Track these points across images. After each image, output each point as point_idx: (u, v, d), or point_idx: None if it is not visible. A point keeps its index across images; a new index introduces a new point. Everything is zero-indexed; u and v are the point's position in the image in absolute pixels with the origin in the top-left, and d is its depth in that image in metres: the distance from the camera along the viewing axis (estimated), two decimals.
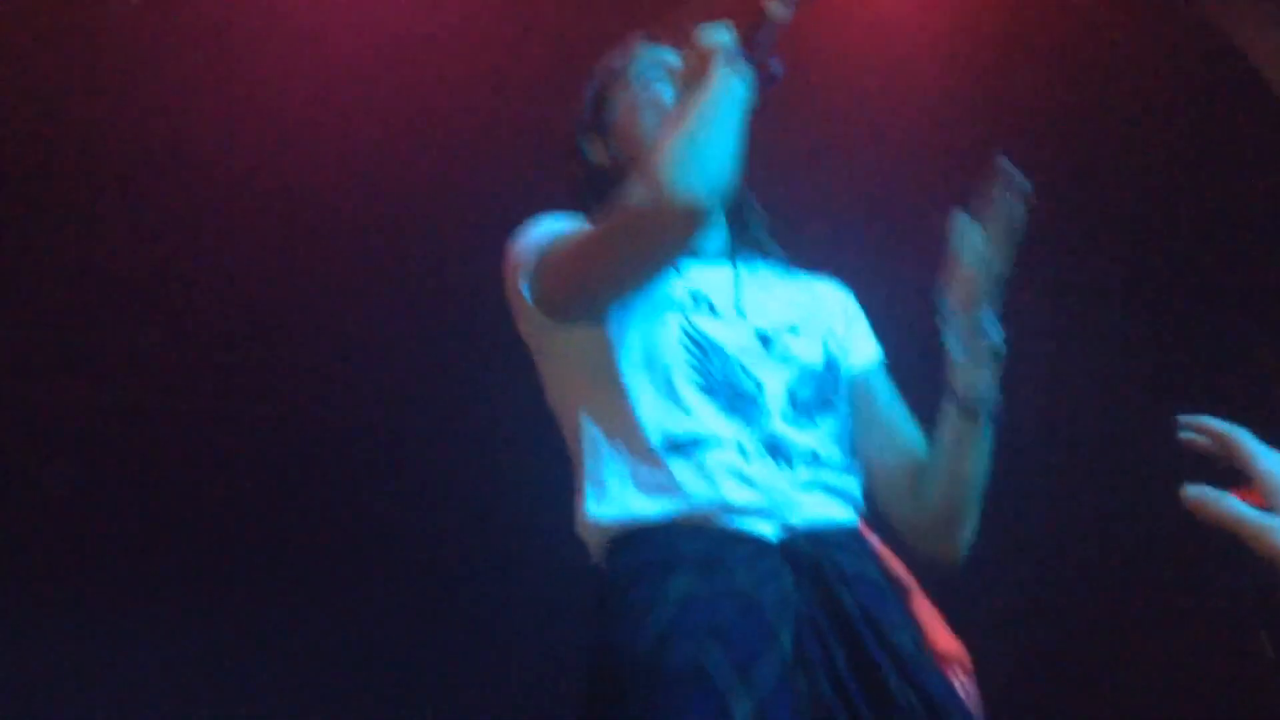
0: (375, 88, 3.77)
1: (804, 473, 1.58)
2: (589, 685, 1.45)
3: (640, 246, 1.58)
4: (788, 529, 1.52)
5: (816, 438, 1.63)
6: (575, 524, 1.62)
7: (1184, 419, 1.06)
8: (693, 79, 1.65)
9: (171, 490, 4.48)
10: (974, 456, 1.65)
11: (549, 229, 1.71)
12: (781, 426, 1.60)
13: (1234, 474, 1.05)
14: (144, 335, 4.27)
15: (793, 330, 1.71)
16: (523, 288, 1.66)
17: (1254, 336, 4.54)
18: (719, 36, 1.65)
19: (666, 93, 1.78)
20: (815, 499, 1.57)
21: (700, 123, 1.55)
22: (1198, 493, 0.96)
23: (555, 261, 1.65)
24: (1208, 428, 1.05)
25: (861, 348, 1.82)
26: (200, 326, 4.33)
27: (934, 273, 1.65)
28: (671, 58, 1.82)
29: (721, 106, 1.56)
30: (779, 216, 1.91)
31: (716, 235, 1.78)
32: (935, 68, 3.91)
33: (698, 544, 1.48)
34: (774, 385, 1.63)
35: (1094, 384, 4.86)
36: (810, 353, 1.70)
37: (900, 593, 1.68)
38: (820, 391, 1.67)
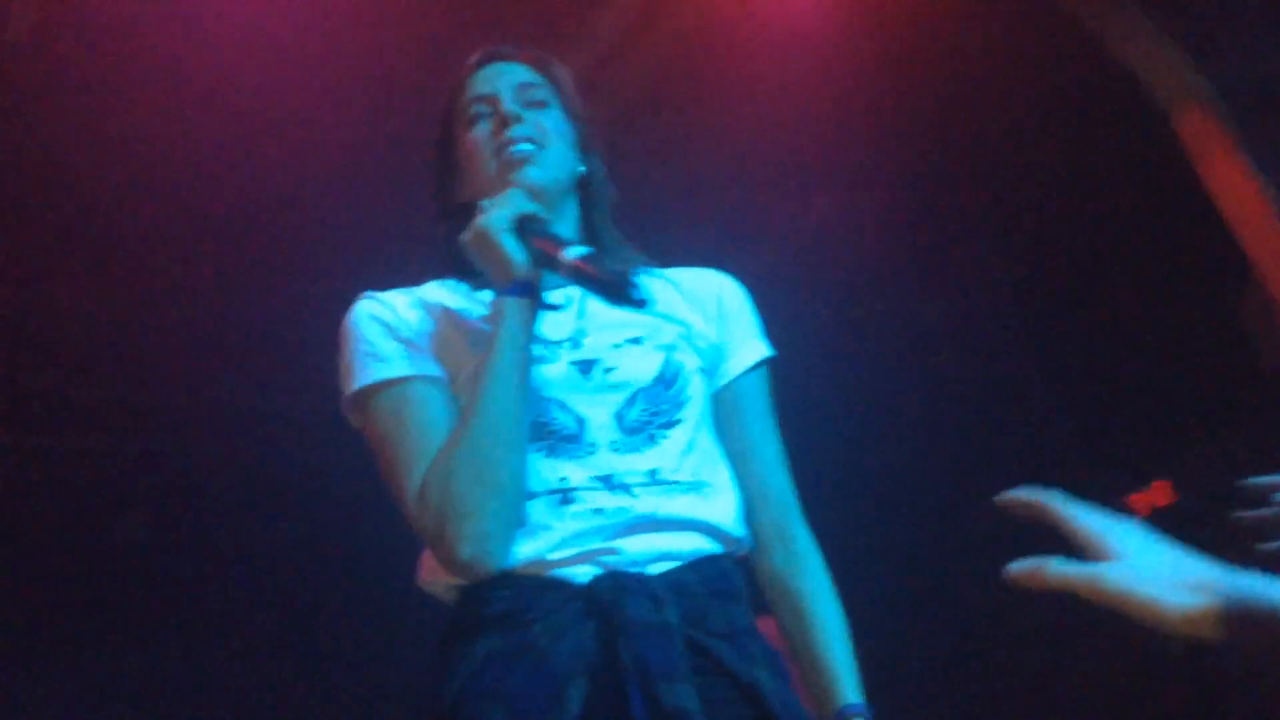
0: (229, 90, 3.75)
1: (647, 499, 1.52)
2: None
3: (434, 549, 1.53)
4: (602, 566, 1.48)
5: (658, 457, 1.55)
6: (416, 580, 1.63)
7: (997, 499, 1.08)
8: (477, 258, 1.59)
9: None
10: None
11: (372, 378, 1.59)
12: (611, 459, 1.53)
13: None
14: None
15: (632, 343, 1.61)
16: (344, 406, 1.64)
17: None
18: (510, 248, 1.55)
19: (482, 131, 1.73)
20: (645, 538, 1.51)
21: (492, 444, 1.48)
22: (1019, 568, 0.98)
23: (374, 448, 1.59)
24: (1018, 502, 1.07)
25: (737, 351, 1.73)
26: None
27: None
28: (494, 84, 1.75)
29: (508, 397, 1.50)
30: (644, 209, 1.85)
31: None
32: (826, 70, 4.04)
33: (503, 599, 1.46)
34: (599, 415, 1.55)
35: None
36: (642, 368, 1.59)
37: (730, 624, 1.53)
38: (653, 408, 1.58)
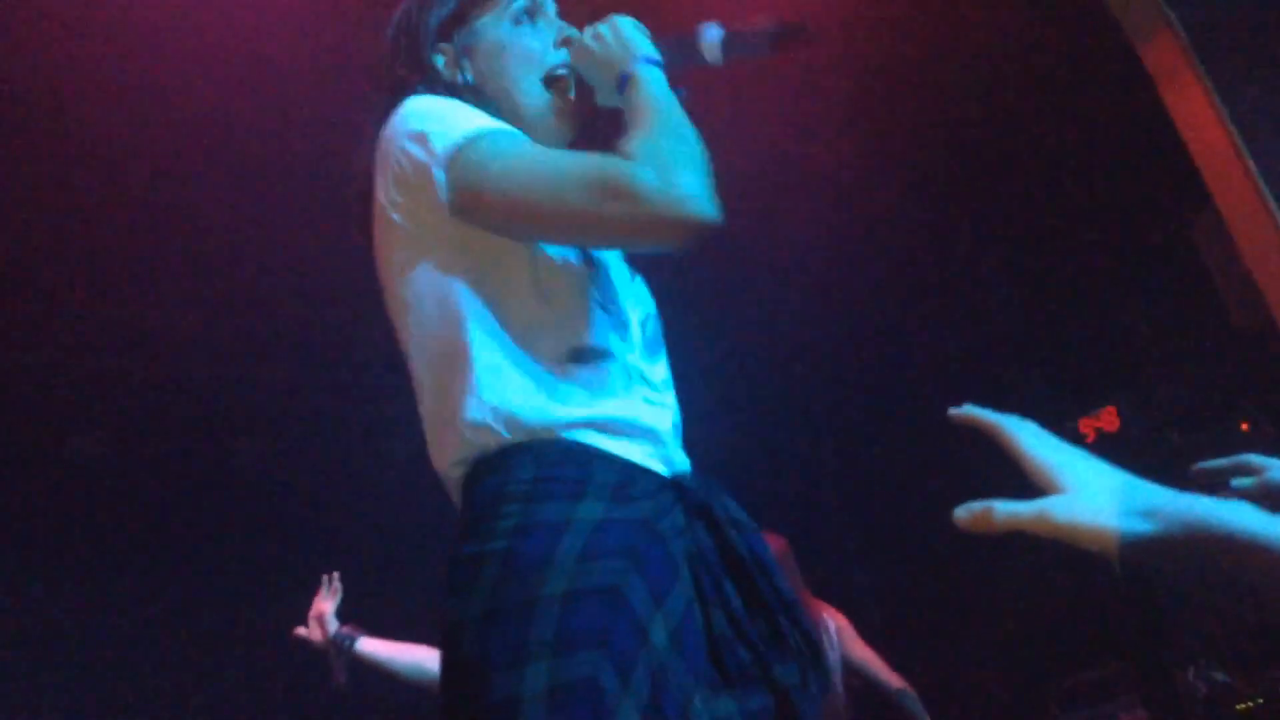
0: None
1: (668, 399, 1.59)
2: (486, 595, 1.32)
3: (635, 237, 1.48)
4: (669, 463, 1.52)
5: (662, 370, 1.64)
6: (450, 424, 1.48)
7: (950, 413, 1.07)
8: (597, 58, 1.60)
9: None
10: None
11: (483, 126, 1.52)
12: (640, 359, 1.59)
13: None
14: None
15: (637, 274, 1.72)
16: (437, 176, 1.48)
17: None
18: (639, 36, 1.60)
19: (539, 40, 1.68)
20: (676, 450, 1.57)
21: (685, 129, 1.48)
22: (965, 512, 0.97)
23: (515, 187, 1.46)
24: (970, 419, 1.06)
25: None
26: None
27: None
28: (550, 4, 1.73)
29: (684, 114, 1.52)
30: None
31: None
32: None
33: (605, 470, 1.43)
34: (635, 318, 1.63)
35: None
36: (645, 300, 1.70)
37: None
38: (657, 331, 1.68)
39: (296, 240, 4.12)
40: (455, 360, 1.49)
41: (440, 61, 1.69)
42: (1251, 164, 3.36)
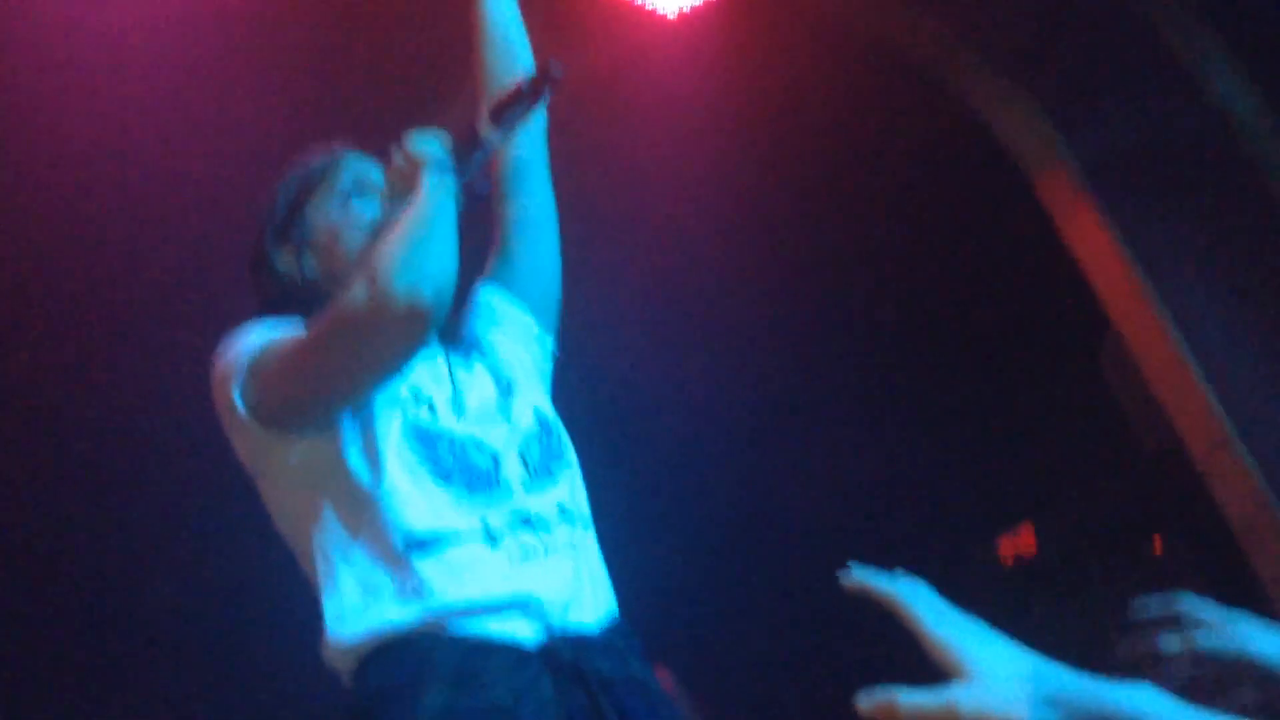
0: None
1: (562, 534, 1.55)
2: None
3: (363, 353, 1.50)
4: (547, 629, 1.47)
5: (559, 493, 1.61)
6: (321, 650, 1.51)
7: (843, 581, 1.00)
8: (401, 184, 1.64)
9: None
10: None
11: (257, 337, 1.60)
12: (525, 498, 1.55)
13: None
14: None
15: (506, 395, 1.68)
16: (235, 399, 1.55)
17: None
18: (429, 146, 1.63)
19: (369, 211, 1.72)
20: (573, 588, 1.53)
21: (418, 227, 1.51)
22: (869, 700, 0.93)
23: (269, 371, 1.55)
24: (867, 590, 1.00)
25: (538, 341, 1.86)
26: None
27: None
28: (375, 174, 1.76)
29: (437, 213, 1.53)
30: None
31: None
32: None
33: (452, 657, 1.41)
34: (508, 456, 1.59)
35: None
36: (524, 414, 1.67)
37: (662, 691, 1.61)
38: (545, 448, 1.65)
39: None
40: (311, 578, 1.55)
41: (280, 265, 1.73)
42: (1152, 291, 3.47)
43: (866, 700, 0.94)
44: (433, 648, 1.42)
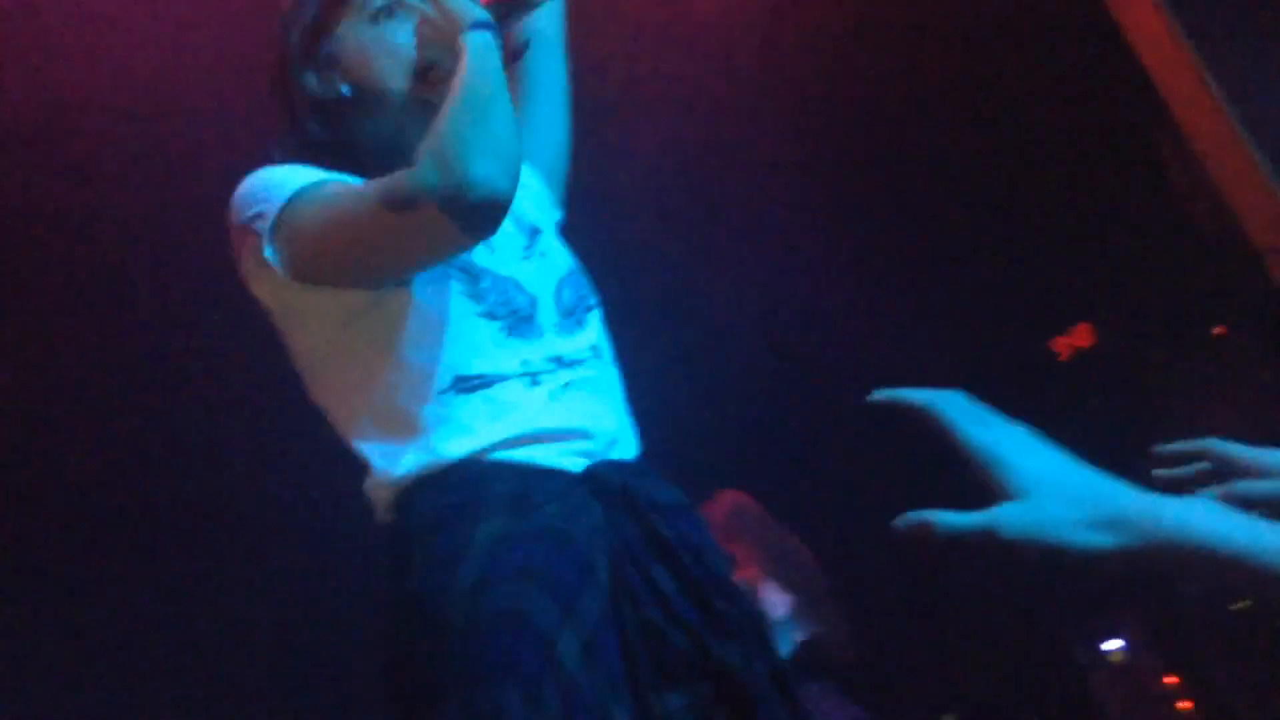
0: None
1: (595, 371, 1.56)
2: (400, 643, 1.36)
3: (433, 241, 1.43)
4: (591, 456, 1.48)
5: (589, 335, 1.60)
6: (364, 484, 1.51)
7: (870, 399, 0.95)
8: (437, 36, 1.59)
9: None
10: None
11: (292, 179, 1.51)
12: (559, 341, 1.55)
13: None
14: None
15: (532, 238, 1.66)
16: (267, 253, 1.48)
17: None
18: (468, 3, 1.58)
19: (401, 34, 1.65)
20: (606, 419, 1.53)
21: (481, 102, 1.44)
22: (904, 523, 0.87)
23: (312, 230, 1.47)
24: (897, 404, 0.94)
25: (553, 196, 1.86)
26: None
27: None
28: None
29: (495, 83, 1.47)
30: None
31: None
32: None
33: (503, 483, 1.41)
34: (544, 297, 1.58)
35: None
36: (554, 256, 1.65)
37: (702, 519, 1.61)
38: (578, 292, 1.63)
39: None
40: (346, 419, 1.53)
41: (312, 80, 1.66)
42: (1211, 77, 3.37)
43: (903, 523, 0.87)
44: (484, 474, 1.43)
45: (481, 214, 1.39)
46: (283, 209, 1.47)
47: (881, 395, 0.95)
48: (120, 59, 3.50)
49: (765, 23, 4.28)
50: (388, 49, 1.65)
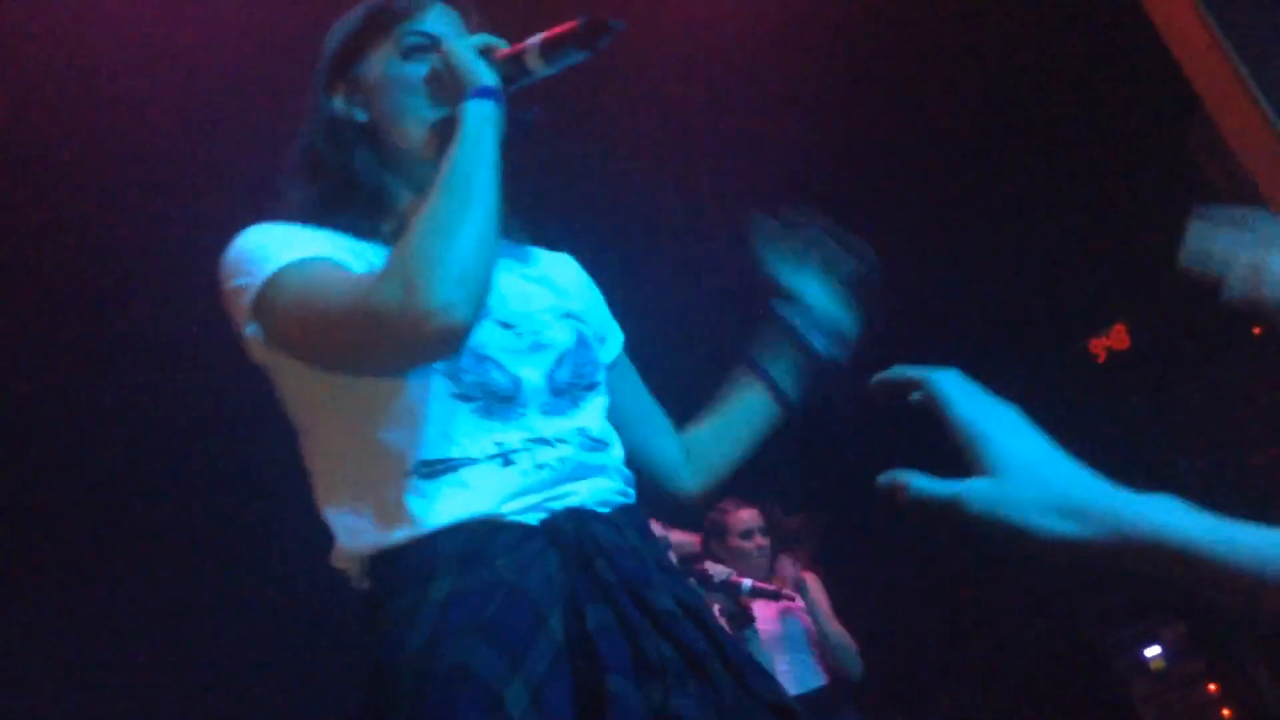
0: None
1: (568, 451, 1.51)
2: (366, 708, 1.37)
3: (388, 355, 1.42)
4: (549, 511, 1.47)
5: (581, 419, 1.56)
6: (332, 556, 1.50)
7: (873, 381, 1.00)
8: (440, 92, 1.59)
9: None
10: (760, 428, 1.80)
11: (282, 261, 1.47)
12: (541, 423, 1.51)
13: None
14: None
15: (544, 313, 1.62)
16: (249, 329, 1.48)
17: None
18: (476, 63, 1.55)
19: (419, 70, 1.64)
20: (578, 485, 1.51)
21: (463, 205, 1.40)
22: (884, 480, 0.91)
23: (296, 321, 1.45)
24: (897, 383, 0.99)
25: (611, 330, 1.80)
26: None
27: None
28: (447, 27, 1.68)
29: (483, 172, 1.45)
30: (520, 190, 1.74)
31: None
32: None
33: (455, 542, 1.41)
34: (532, 377, 1.54)
35: None
36: (562, 334, 1.61)
37: (660, 554, 1.59)
38: (577, 371, 1.60)
39: None
40: (320, 486, 1.52)
41: (335, 102, 1.67)
42: (1240, 63, 3.33)
43: (884, 479, 0.91)
44: (438, 539, 1.42)
45: (439, 342, 1.37)
46: (265, 285, 1.46)
47: (881, 376, 0.99)
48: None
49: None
50: (410, 88, 1.63)
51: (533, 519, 1.46)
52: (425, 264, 1.34)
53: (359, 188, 1.62)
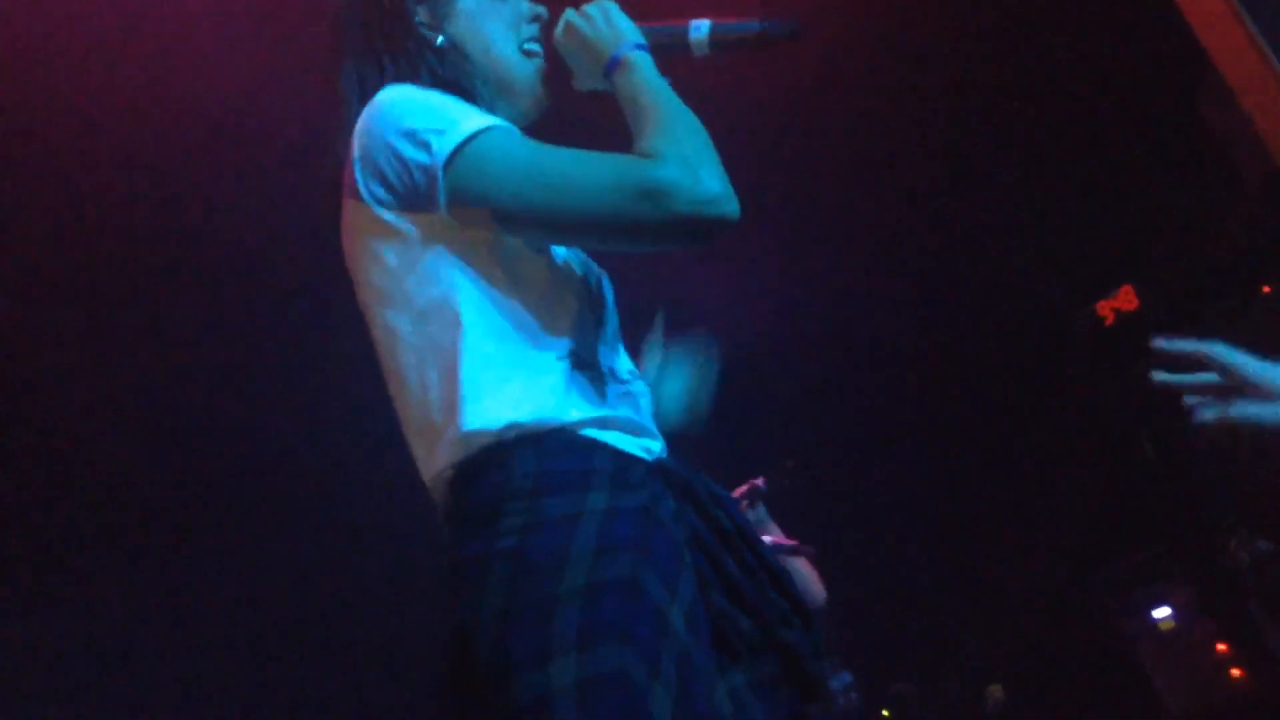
0: None
1: (636, 388, 1.60)
2: (486, 602, 1.32)
3: (661, 237, 1.44)
4: (649, 451, 1.53)
5: (626, 361, 1.66)
6: (440, 425, 1.45)
7: (1157, 347, 1.12)
8: (576, 44, 1.62)
9: None
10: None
11: (487, 122, 1.46)
12: (609, 356, 1.60)
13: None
14: None
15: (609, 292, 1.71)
16: (439, 178, 1.43)
17: None
18: (625, 21, 1.62)
19: (509, 7, 1.67)
20: (650, 435, 1.59)
21: (696, 123, 1.49)
22: (1211, 415, 1.10)
23: (529, 193, 1.42)
24: (1178, 354, 1.16)
25: None
26: None
27: None
28: None
29: (682, 104, 1.54)
30: None
31: None
32: None
33: (602, 459, 1.44)
34: (603, 315, 1.63)
35: None
36: (607, 289, 1.69)
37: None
38: (615, 322, 1.68)
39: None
40: (445, 361, 1.47)
41: (419, 19, 1.64)
42: (1248, 19, 3.30)
43: (1209, 413, 1.16)
44: (585, 447, 1.44)
45: (714, 227, 1.41)
46: (468, 141, 1.43)
47: (1162, 345, 1.14)
48: None
49: None
50: (500, 16, 1.66)
51: (648, 456, 1.52)
52: (704, 156, 1.42)
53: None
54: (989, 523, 6.19)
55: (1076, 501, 6.15)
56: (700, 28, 1.62)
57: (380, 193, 1.47)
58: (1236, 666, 5.67)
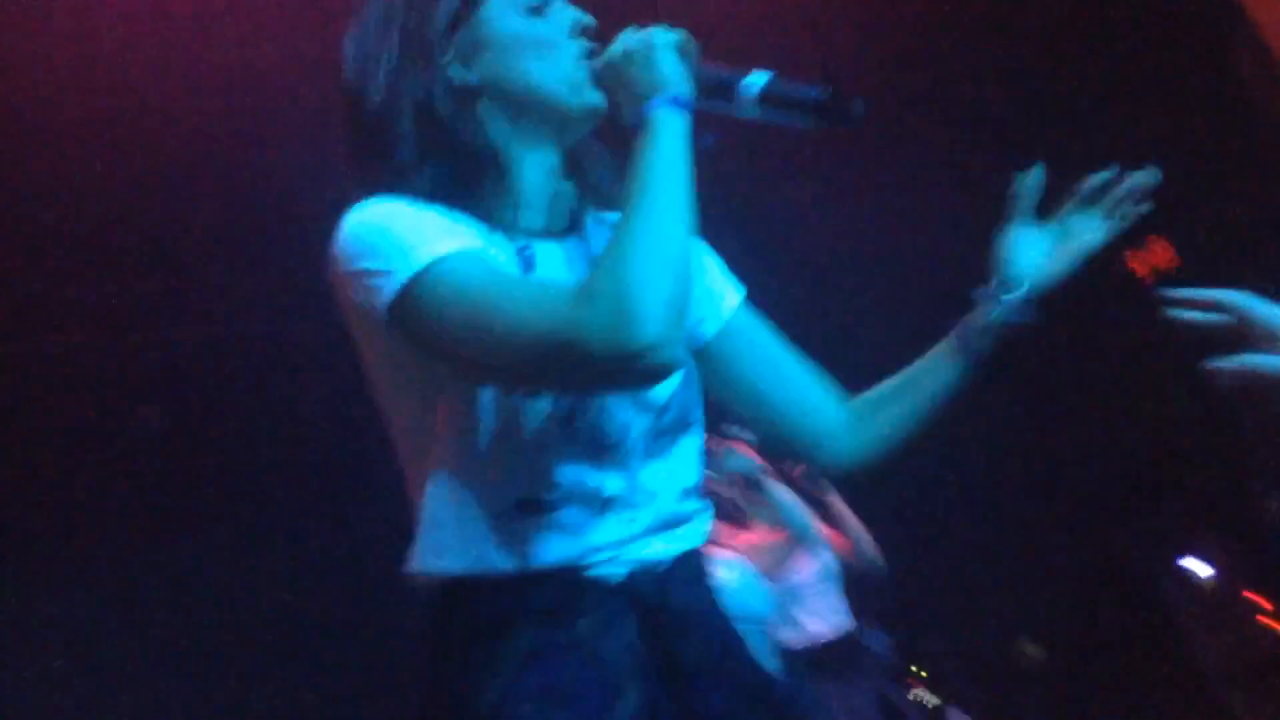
0: None
1: (661, 503, 1.48)
2: None
3: (584, 381, 1.37)
4: (629, 564, 1.44)
5: (676, 463, 1.51)
6: (408, 565, 1.46)
7: (1178, 296, 1.12)
8: (614, 81, 1.47)
9: None
10: (943, 384, 1.67)
11: (434, 254, 1.35)
12: (641, 469, 1.47)
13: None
14: None
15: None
16: (382, 320, 1.36)
17: None
18: (670, 62, 1.45)
19: (550, 29, 1.52)
20: (663, 536, 1.48)
21: (671, 227, 1.32)
22: (1222, 364, 1.09)
23: (455, 310, 1.32)
24: (1201, 301, 1.17)
25: (724, 295, 1.68)
26: None
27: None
28: None
29: (684, 191, 1.35)
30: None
31: (561, 206, 1.55)
32: None
33: (541, 595, 1.39)
34: (639, 422, 1.48)
35: None
36: (666, 383, 1.50)
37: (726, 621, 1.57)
38: (681, 412, 1.52)
39: None
40: (418, 483, 1.46)
41: (452, 66, 1.50)
42: None
43: (1219, 364, 1.14)
44: (524, 585, 1.40)
45: (642, 379, 1.34)
46: (418, 277, 1.33)
47: (1174, 293, 1.15)
48: None
49: None
50: (539, 41, 1.51)
51: (616, 573, 1.43)
52: (638, 293, 1.25)
53: (486, 162, 1.48)
54: (1024, 479, 6.11)
55: (1109, 453, 6.05)
56: (754, 84, 1.44)
57: (353, 316, 1.41)
58: (1273, 619, 5.59)
